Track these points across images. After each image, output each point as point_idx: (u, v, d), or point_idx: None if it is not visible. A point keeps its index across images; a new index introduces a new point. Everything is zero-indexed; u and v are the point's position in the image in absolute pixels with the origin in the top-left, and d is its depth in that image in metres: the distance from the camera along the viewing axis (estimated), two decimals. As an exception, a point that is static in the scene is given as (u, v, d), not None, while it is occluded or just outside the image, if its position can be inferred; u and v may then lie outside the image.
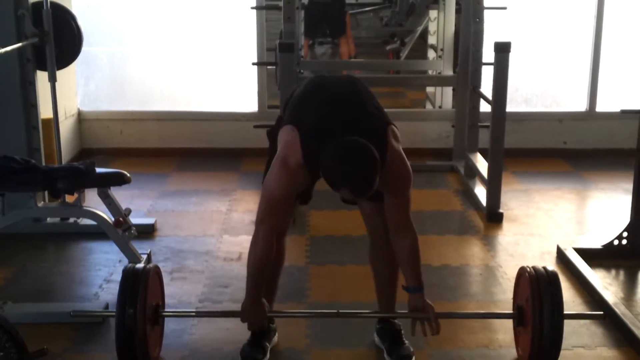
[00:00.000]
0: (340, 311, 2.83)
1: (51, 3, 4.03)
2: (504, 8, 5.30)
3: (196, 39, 5.80)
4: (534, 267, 2.77)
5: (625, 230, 3.78)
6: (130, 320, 2.59)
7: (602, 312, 3.05)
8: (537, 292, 2.66)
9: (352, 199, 2.58)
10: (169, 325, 3.01)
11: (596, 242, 3.91)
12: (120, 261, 3.70)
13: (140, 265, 2.80)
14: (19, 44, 3.85)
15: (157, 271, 2.83)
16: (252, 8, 5.37)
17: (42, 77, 4.10)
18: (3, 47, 3.59)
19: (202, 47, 5.81)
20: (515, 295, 2.89)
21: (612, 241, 3.80)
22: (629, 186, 3.83)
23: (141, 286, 2.64)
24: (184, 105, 5.82)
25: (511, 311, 2.92)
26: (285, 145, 2.57)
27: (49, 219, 4.15)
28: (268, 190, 2.60)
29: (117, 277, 2.80)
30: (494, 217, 4.39)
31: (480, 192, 4.68)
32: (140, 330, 2.61)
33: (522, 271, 2.81)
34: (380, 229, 2.75)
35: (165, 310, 2.88)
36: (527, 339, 2.73)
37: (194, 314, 3.17)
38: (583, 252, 3.74)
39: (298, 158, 2.51)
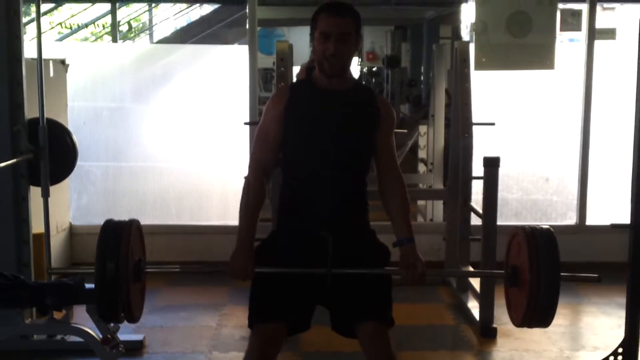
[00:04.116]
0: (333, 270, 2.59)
1: (47, 119, 4.08)
2: (492, 124, 5.41)
3: (188, 153, 5.88)
4: (529, 226, 2.69)
5: (620, 346, 3.73)
6: (111, 275, 2.46)
7: (597, 275, 2.87)
8: (535, 248, 2.58)
9: (329, 30, 2.60)
10: None
11: (591, 359, 3.85)
12: (106, 379, 3.60)
13: (121, 219, 2.66)
14: (14, 160, 3.88)
15: (138, 226, 2.68)
16: (245, 124, 5.46)
17: (34, 191, 4.12)
18: (-2, 162, 3.63)
19: (195, 161, 5.88)
20: (508, 256, 2.78)
21: (607, 357, 3.74)
22: (623, 300, 3.79)
23: (122, 239, 2.52)
24: (175, 219, 5.83)
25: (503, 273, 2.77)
26: None
27: (35, 336, 4.07)
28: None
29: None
30: (487, 332, 4.34)
31: (473, 306, 4.64)
32: (122, 285, 2.48)
33: (516, 230, 2.72)
34: (382, 355, 2.61)
35: (148, 265, 2.70)
36: (522, 298, 2.61)
37: (177, 269, 3.00)
38: (579, 369, 3.69)
39: (284, 86, 2.87)
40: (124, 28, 12.52)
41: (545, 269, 2.56)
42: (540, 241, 2.61)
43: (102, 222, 6.07)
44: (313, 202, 2.66)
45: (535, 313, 2.59)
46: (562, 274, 2.59)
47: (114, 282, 2.49)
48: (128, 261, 2.52)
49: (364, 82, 2.99)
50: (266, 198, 2.77)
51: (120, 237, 2.54)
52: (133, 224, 2.63)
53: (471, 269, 4.97)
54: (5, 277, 3.41)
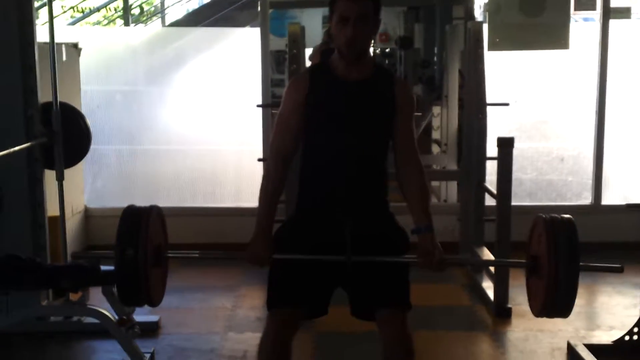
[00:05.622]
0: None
1: (61, 103, 4.09)
2: (507, 104, 5.37)
3: (202, 136, 5.88)
4: (550, 215, 2.66)
5: (635, 325, 3.72)
6: (130, 260, 2.49)
7: (619, 265, 2.73)
8: (553, 238, 2.55)
9: (348, 14, 2.53)
10: None
11: (607, 338, 3.85)
12: (123, 360, 3.64)
13: (141, 205, 2.69)
14: (28, 144, 3.90)
15: (159, 212, 2.71)
16: (258, 106, 5.46)
17: (49, 175, 4.14)
18: (12, 146, 3.65)
19: (209, 142, 5.89)
20: (529, 245, 2.76)
21: (623, 337, 3.74)
22: (638, 280, 3.80)
23: (142, 225, 2.55)
24: (190, 201, 5.85)
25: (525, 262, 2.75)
26: None
27: (52, 317, 4.11)
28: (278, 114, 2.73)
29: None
30: (502, 312, 4.34)
31: (488, 286, 4.64)
32: (141, 270, 2.51)
33: (537, 220, 2.69)
34: (397, 337, 2.61)
35: (169, 251, 2.73)
36: (541, 289, 2.60)
37: (197, 254, 2.98)
38: (594, 349, 3.68)
39: (305, 70, 2.84)
40: (136, 11, 12.50)
41: (564, 261, 2.52)
42: (559, 233, 2.57)
43: (116, 205, 6.10)
44: (333, 188, 2.66)
45: (554, 305, 2.58)
46: (582, 264, 2.55)
47: (133, 267, 2.51)
48: (147, 246, 2.53)
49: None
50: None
51: (139, 223, 2.56)
52: (153, 210, 2.65)
53: (486, 249, 4.95)
54: (22, 259, 3.44)
